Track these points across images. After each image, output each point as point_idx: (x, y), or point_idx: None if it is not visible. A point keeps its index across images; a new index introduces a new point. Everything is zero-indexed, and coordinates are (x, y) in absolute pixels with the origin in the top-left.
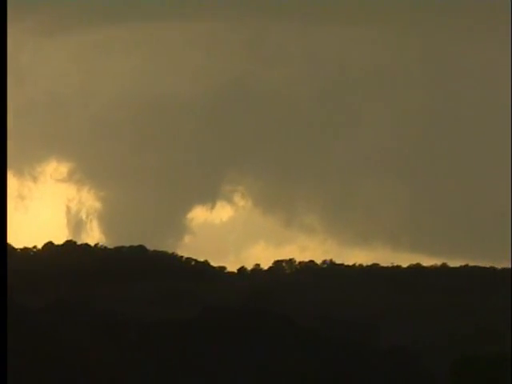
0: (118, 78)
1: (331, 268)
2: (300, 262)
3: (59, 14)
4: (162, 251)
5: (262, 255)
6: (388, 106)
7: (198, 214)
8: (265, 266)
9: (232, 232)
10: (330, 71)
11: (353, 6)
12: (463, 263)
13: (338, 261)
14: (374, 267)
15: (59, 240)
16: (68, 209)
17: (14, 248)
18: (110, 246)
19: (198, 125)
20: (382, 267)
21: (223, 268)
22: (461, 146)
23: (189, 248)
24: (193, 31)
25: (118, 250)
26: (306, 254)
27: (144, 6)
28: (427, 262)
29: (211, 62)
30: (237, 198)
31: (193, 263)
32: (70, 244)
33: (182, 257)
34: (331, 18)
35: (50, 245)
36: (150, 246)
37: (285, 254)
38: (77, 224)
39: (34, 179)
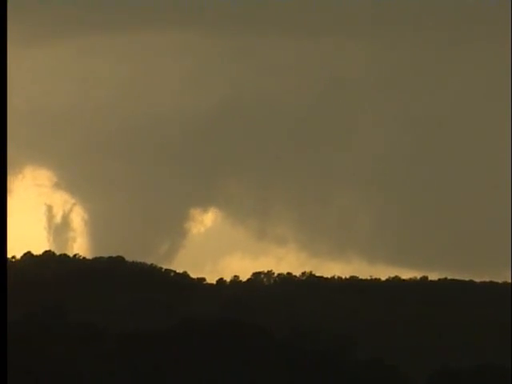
0: (106, 86)
1: (310, 280)
2: (279, 274)
3: (43, 23)
4: (140, 262)
5: (239, 266)
6: (369, 119)
7: (177, 226)
8: (243, 277)
9: (209, 243)
10: (318, 84)
11: (344, 17)
12: (442, 276)
13: (316, 273)
14: (353, 280)
15: (38, 250)
16: (48, 219)
17: None
18: (89, 256)
19: (183, 137)
20: (361, 280)
21: (202, 279)
22: (440, 158)
23: (168, 259)
24: (184, 42)
25: (97, 260)
26: (283, 266)
27: (136, 14)
28: (406, 274)
29: (201, 73)
30: (213, 210)
31: (172, 274)
32: (48, 254)
33: (160, 268)
34: (323, 29)
35: (28, 255)
36: (129, 257)
37: (261, 265)
38: (56, 234)
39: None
